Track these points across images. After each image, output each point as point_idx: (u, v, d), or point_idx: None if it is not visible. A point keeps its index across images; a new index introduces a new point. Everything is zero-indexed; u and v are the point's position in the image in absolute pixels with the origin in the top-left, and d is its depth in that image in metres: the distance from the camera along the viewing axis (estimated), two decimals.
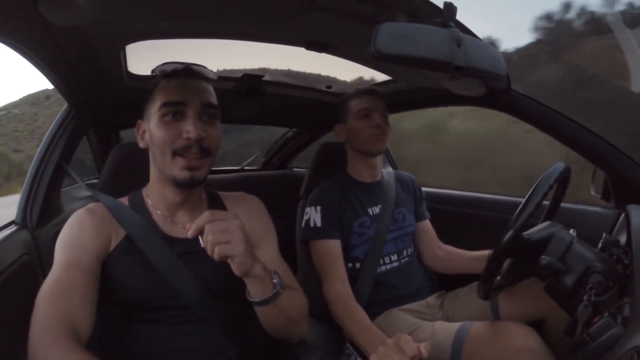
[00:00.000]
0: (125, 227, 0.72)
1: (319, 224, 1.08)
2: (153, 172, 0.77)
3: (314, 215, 1.10)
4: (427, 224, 1.28)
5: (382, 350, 0.62)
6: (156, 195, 0.78)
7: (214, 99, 0.74)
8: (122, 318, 0.71)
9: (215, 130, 0.73)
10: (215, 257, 0.57)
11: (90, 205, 0.76)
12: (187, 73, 0.74)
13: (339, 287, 1.01)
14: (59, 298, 0.60)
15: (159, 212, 0.77)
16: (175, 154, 0.70)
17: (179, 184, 0.72)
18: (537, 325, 0.87)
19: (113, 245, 0.72)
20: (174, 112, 0.70)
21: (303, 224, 1.12)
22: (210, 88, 0.76)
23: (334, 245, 1.07)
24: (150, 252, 0.71)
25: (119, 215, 0.73)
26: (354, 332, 0.93)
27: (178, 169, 0.70)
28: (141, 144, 0.77)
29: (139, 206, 0.78)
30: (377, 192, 1.17)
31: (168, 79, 0.73)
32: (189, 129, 0.68)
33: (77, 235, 0.70)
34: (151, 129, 0.73)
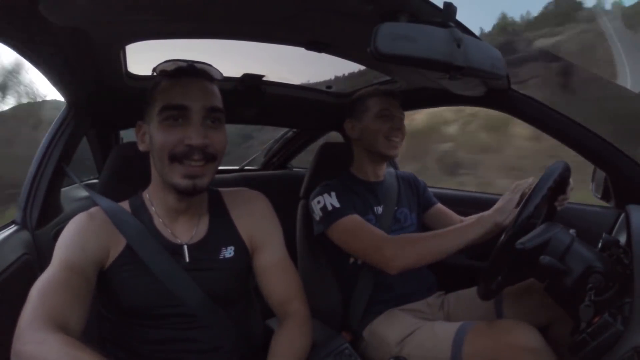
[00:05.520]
0: (125, 235, 0.70)
1: (336, 205, 1.04)
2: (154, 177, 0.75)
3: (329, 199, 1.05)
4: (440, 206, 1.26)
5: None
6: (158, 200, 0.75)
7: (219, 102, 0.70)
8: (126, 323, 0.71)
9: (221, 134, 0.70)
10: None
11: (92, 209, 0.74)
12: (190, 72, 0.69)
13: (384, 242, 0.96)
14: (51, 293, 0.58)
15: (160, 218, 0.75)
16: (173, 159, 0.66)
17: (180, 192, 0.69)
18: (542, 330, 0.85)
19: (114, 251, 0.70)
20: (176, 116, 0.66)
21: (319, 215, 1.06)
22: (216, 89, 0.71)
23: (357, 218, 1.03)
24: (151, 260, 0.69)
25: (119, 222, 0.71)
26: (446, 242, 0.92)
27: (178, 177, 0.67)
28: (141, 147, 0.74)
29: (140, 211, 0.75)
30: (380, 192, 1.17)
31: (170, 79, 0.69)
32: (192, 135, 0.65)
33: (77, 237, 0.68)
34: (152, 132, 0.69)
